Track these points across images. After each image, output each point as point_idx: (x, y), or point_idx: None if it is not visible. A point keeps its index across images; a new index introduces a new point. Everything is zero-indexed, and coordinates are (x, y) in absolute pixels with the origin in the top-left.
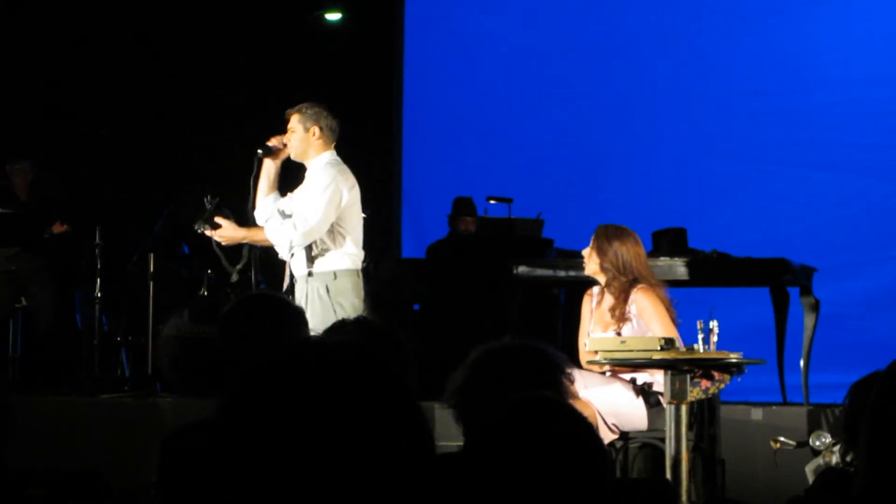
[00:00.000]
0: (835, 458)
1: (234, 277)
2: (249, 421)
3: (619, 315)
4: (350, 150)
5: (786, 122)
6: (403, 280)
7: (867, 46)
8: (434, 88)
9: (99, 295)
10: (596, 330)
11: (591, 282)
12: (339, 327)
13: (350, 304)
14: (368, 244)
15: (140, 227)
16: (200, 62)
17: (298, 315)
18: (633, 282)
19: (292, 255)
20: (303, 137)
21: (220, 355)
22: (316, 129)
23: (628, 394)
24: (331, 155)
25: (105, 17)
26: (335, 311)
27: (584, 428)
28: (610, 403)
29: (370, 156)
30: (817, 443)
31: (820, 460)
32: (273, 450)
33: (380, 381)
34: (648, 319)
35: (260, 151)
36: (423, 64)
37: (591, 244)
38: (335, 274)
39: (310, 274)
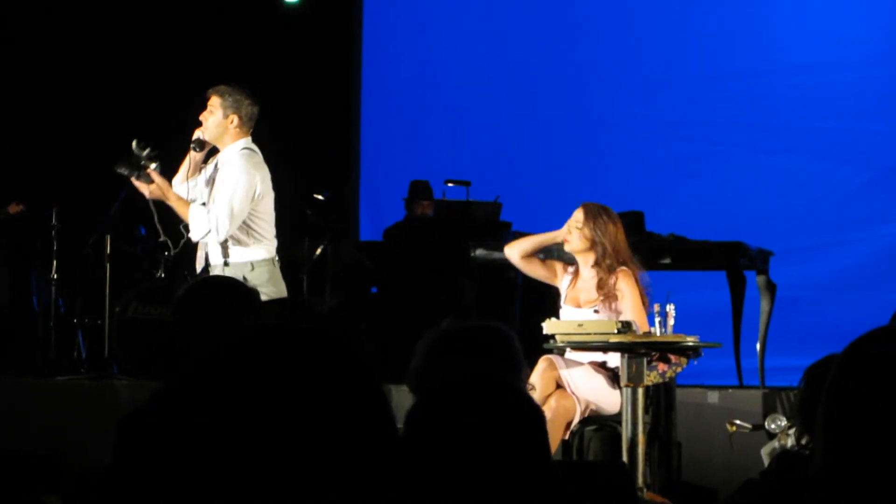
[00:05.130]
0: (790, 441)
1: (168, 247)
2: (206, 404)
3: (606, 295)
4: (309, 133)
5: (743, 106)
6: (361, 263)
7: (823, 31)
8: (393, 71)
9: (55, 276)
10: (569, 307)
11: None
12: (268, 309)
13: (268, 293)
14: (327, 227)
15: (97, 209)
16: (156, 43)
17: (253, 298)
18: (621, 264)
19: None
20: (220, 122)
21: (175, 338)
22: (235, 118)
23: (608, 381)
24: (245, 142)
25: None
26: None
27: (518, 398)
28: (592, 389)
29: (329, 138)
30: (773, 426)
31: (775, 443)
32: (230, 433)
33: (340, 364)
34: (624, 304)
35: (194, 146)
36: (381, 47)
37: (578, 220)
38: (252, 265)
39: (226, 264)
